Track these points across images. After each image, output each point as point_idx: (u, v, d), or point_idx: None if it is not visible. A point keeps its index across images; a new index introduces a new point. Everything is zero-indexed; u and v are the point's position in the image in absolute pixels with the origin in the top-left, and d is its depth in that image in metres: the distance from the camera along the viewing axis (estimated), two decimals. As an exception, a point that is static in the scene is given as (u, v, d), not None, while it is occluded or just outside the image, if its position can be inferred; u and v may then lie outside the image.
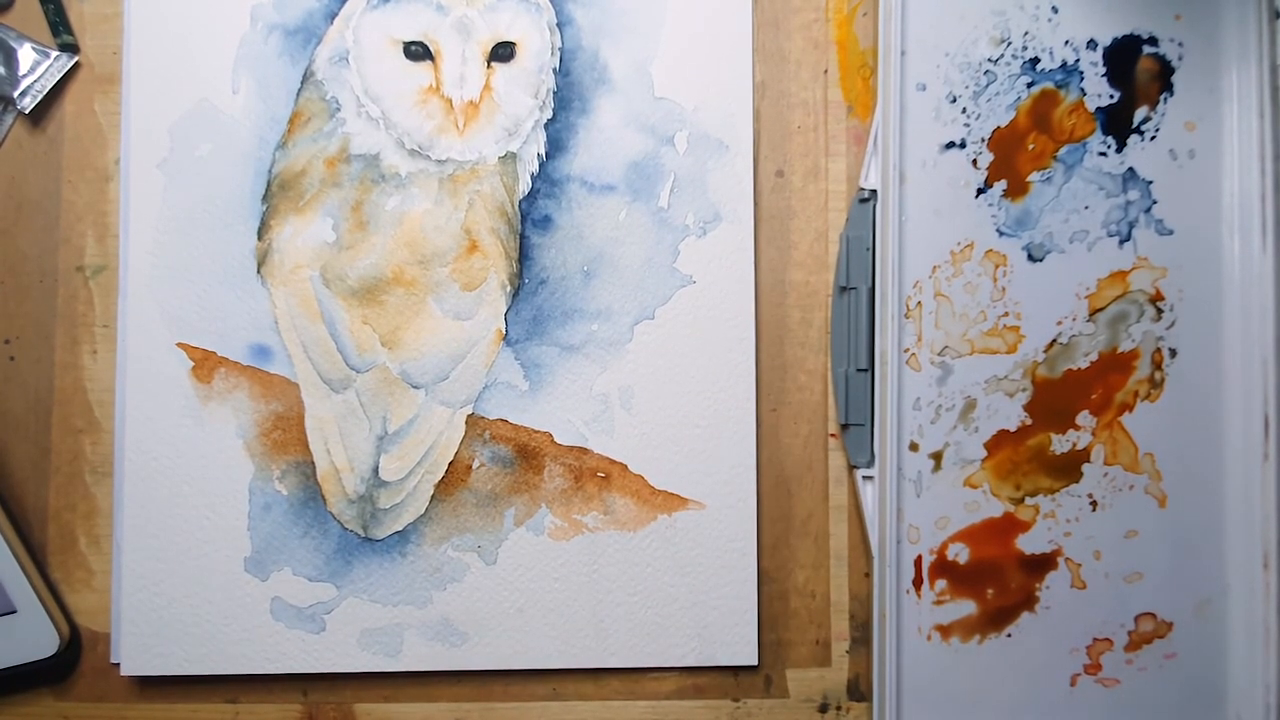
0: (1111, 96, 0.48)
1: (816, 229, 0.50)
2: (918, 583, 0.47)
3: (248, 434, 0.48)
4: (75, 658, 0.48)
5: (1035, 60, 0.48)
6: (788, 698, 0.49)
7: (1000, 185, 0.48)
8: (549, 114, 0.48)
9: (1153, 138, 0.48)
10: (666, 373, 0.48)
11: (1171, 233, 0.48)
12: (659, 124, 0.49)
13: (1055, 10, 0.48)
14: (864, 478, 0.48)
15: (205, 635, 0.47)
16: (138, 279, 0.48)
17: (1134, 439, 0.48)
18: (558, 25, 0.49)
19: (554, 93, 0.49)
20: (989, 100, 0.48)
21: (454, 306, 0.48)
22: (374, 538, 0.48)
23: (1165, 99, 0.48)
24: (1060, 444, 0.48)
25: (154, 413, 0.48)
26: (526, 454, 0.48)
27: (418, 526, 0.48)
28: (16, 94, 0.48)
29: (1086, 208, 0.48)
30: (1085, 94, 0.48)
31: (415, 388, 0.48)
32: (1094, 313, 0.48)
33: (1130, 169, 0.48)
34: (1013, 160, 0.48)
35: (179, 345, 0.48)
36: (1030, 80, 0.48)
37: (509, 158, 0.48)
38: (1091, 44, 0.48)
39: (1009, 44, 0.48)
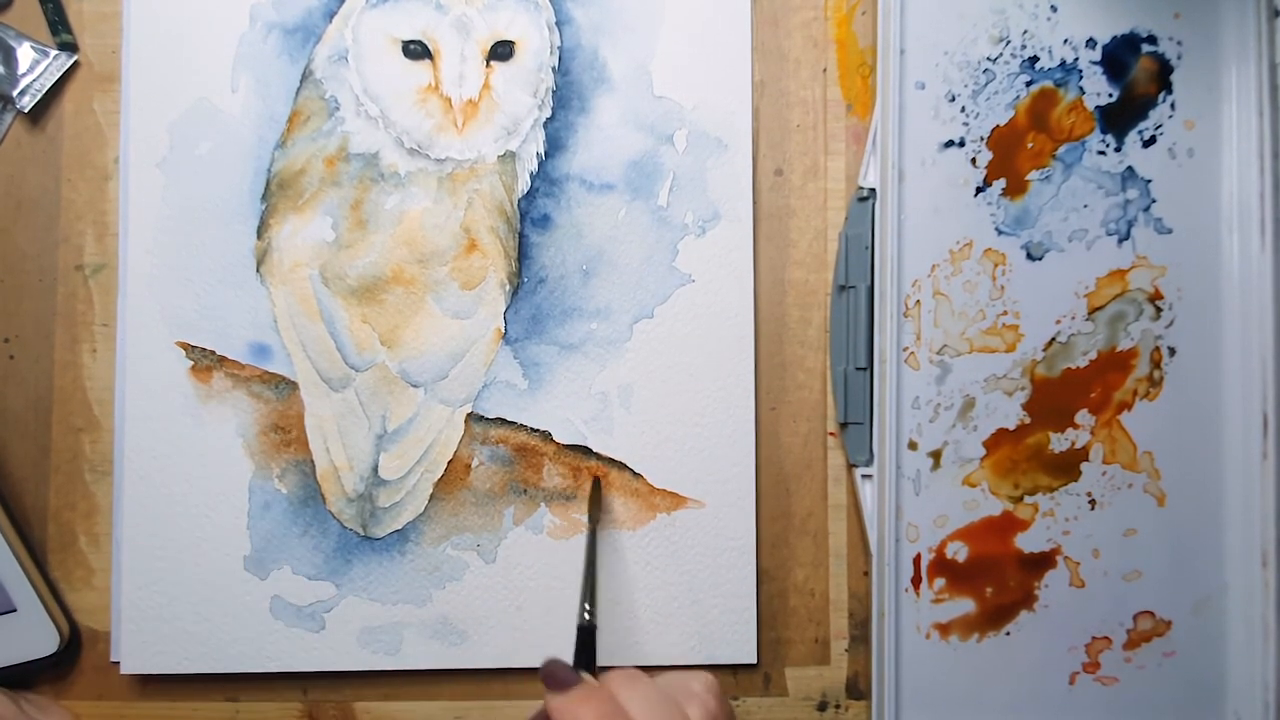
0: (1110, 95, 0.48)
1: (815, 227, 0.49)
2: (916, 581, 0.47)
3: (247, 433, 0.48)
4: (75, 656, 0.48)
5: (1034, 59, 0.48)
6: (787, 696, 0.49)
7: (999, 184, 0.48)
8: (548, 113, 0.48)
9: (1151, 137, 0.48)
10: (666, 371, 0.48)
11: (1170, 231, 0.48)
12: (658, 123, 0.48)
13: (1054, 9, 0.48)
14: (863, 476, 0.48)
15: (205, 634, 0.47)
16: (137, 278, 0.48)
17: (1133, 438, 0.48)
18: (557, 24, 0.49)
19: (553, 91, 0.48)
20: (988, 99, 0.48)
21: (453, 305, 0.48)
22: (373, 536, 0.48)
23: (1164, 97, 0.48)
24: (1059, 443, 0.48)
25: (153, 411, 0.48)
26: (525, 453, 0.48)
27: (417, 525, 0.48)
28: (16, 93, 0.48)
29: (1085, 206, 0.48)
30: (1084, 92, 0.48)
31: (414, 386, 0.48)
32: (1093, 311, 0.48)
33: (1129, 167, 0.48)
34: (1012, 159, 0.48)
35: (178, 344, 0.48)
36: (1029, 79, 0.48)
37: (508, 156, 0.48)
38: (1090, 43, 0.48)
39: (1008, 43, 0.48)
